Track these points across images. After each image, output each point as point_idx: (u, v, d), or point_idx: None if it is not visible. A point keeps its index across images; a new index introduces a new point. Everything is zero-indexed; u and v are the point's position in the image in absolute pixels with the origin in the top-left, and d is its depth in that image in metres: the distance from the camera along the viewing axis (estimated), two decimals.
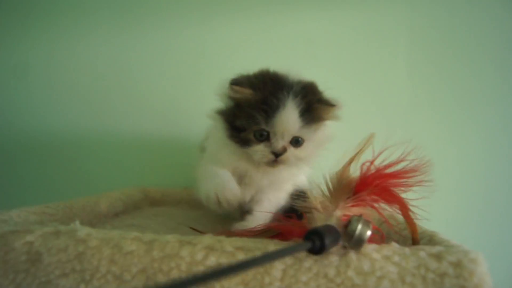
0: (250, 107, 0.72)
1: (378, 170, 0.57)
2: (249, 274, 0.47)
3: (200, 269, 0.48)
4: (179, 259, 0.48)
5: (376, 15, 1.29)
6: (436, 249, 0.49)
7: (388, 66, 1.30)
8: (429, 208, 1.21)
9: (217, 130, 0.79)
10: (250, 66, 1.31)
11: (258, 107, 0.72)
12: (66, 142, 1.37)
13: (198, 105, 1.30)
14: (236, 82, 0.74)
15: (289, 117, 0.71)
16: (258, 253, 0.48)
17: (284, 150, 0.74)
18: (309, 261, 0.47)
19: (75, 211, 0.78)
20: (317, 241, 0.43)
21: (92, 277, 0.50)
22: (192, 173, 1.26)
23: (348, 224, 0.48)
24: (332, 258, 0.47)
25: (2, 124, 1.39)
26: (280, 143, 0.73)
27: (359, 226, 0.47)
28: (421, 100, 1.29)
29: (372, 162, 0.58)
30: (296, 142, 0.75)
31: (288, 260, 0.47)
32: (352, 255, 0.48)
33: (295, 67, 1.28)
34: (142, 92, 1.35)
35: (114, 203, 0.94)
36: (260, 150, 0.73)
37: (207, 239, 0.50)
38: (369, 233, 0.48)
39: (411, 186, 0.57)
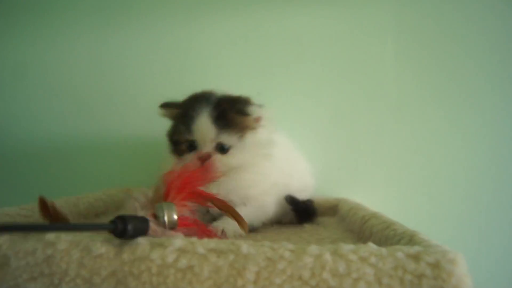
0: (177, 121, 0.86)
1: (177, 177, 0.63)
2: (222, 277, 0.46)
3: (171, 271, 0.46)
4: (150, 262, 0.47)
5: (364, 11, 1.28)
6: (414, 249, 0.48)
7: (376, 63, 1.29)
8: (427, 208, 1.22)
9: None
10: (238, 65, 1.31)
11: (181, 120, 0.84)
12: (53, 143, 1.35)
13: None
14: (162, 105, 0.89)
15: (203, 124, 0.81)
16: (231, 255, 0.47)
17: (208, 156, 0.81)
18: (283, 263, 0.46)
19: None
20: (119, 225, 0.48)
21: (61, 281, 0.48)
22: None
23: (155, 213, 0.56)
24: (307, 259, 0.46)
25: None
26: (203, 149, 0.82)
27: (164, 211, 0.56)
28: (410, 97, 1.27)
29: (171, 172, 0.64)
30: (222, 149, 0.83)
31: (262, 262, 0.46)
32: (328, 256, 0.46)
33: (282, 64, 1.29)
34: (128, 92, 1.34)
35: (94, 203, 0.92)
36: (190, 158, 0.83)
37: (179, 241, 0.49)
38: (175, 216, 0.56)
39: (204, 182, 0.66)
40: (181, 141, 0.84)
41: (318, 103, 1.29)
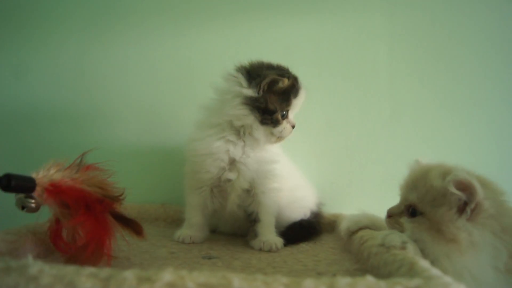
0: (285, 93, 0.93)
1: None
2: None
3: None
4: None
5: (356, 23, 1.27)
6: (414, 282, 0.45)
7: (368, 73, 1.28)
8: None
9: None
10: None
11: (291, 92, 0.94)
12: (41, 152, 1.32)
13: (178, 117, 1.27)
14: (283, 75, 0.92)
15: (303, 97, 0.97)
16: None
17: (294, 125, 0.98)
18: None
19: (39, 235, 0.74)
20: (3, 180, 0.56)
21: None
22: (171, 188, 1.23)
23: None
24: None
25: None
26: (292, 119, 0.97)
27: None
28: (404, 109, 1.26)
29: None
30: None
31: None
32: None
33: None
34: (120, 103, 1.31)
35: None
36: (286, 126, 0.94)
37: (168, 274, 0.46)
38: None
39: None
40: (280, 110, 0.93)
41: (309, 115, 1.25)
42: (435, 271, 0.51)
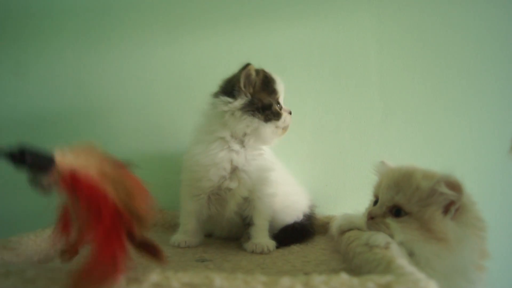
0: (266, 84, 0.97)
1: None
2: None
3: None
4: None
5: (345, 26, 1.30)
6: (385, 279, 0.48)
7: (359, 77, 1.30)
8: None
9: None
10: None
11: (269, 81, 0.97)
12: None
13: (174, 123, 1.30)
14: (245, 67, 0.94)
15: (282, 83, 1.00)
16: None
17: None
18: None
19: (39, 242, 0.77)
20: (17, 153, 0.48)
21: None
22: (168, 194, 1.25)
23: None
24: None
25: None
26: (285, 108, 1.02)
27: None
28: (395, 111, 1.28)
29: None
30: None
31: None
32: (300, 285, 0.47)
33: None
34: (115, 111, 1.35)
35: None
36: (287, 117, 0.99)
37: (155, 275, 0.49)
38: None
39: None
40: (274, 102, 0.97)
41: (302, 119, 1.29)
42: (409, 269, 0.54)
